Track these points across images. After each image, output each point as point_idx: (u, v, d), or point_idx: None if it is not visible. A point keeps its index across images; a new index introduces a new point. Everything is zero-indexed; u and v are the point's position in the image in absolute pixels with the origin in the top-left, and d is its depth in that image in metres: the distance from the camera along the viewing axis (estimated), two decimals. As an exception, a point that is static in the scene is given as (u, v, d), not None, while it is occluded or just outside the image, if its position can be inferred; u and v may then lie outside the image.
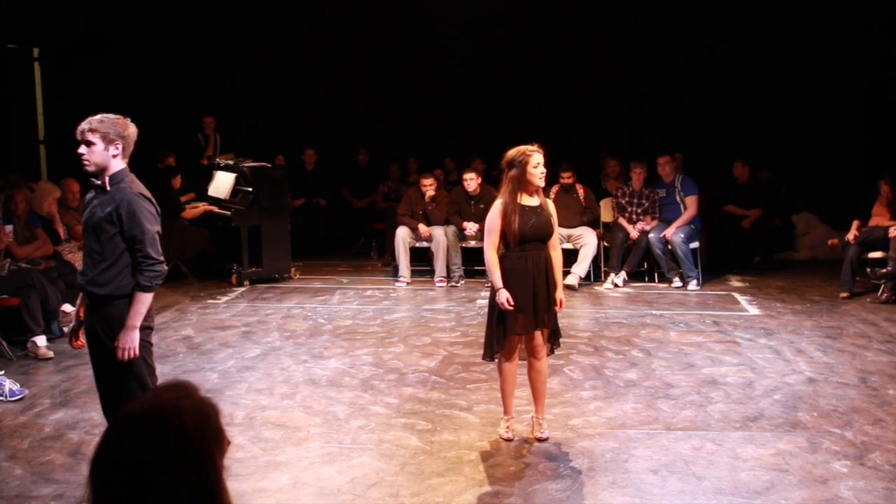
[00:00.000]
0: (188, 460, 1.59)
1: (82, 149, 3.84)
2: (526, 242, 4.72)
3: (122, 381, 3.87)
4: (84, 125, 3.85)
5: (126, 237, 3.83)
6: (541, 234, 4.75)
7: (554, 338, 4.90)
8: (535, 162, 4.72)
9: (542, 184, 4.79)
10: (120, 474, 1.57)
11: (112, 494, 1.57)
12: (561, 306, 4.82)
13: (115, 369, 3.87)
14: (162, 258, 3.92)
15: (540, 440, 4.81)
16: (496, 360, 4.89)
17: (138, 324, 3.85)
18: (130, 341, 3.83)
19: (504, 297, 4.63)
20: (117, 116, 3.90)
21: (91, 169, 3.88)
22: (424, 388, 5.76)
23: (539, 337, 4.80)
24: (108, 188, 3.86)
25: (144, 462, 1.57)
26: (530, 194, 4.77)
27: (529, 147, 4.76)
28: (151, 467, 1.57)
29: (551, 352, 4.97)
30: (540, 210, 4.77)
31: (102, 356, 3.91)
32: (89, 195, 4.00)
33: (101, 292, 3.85)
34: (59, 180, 8.59)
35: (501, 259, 4.75)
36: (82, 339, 4.15)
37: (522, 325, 4.70)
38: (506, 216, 4.71)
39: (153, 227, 3.87)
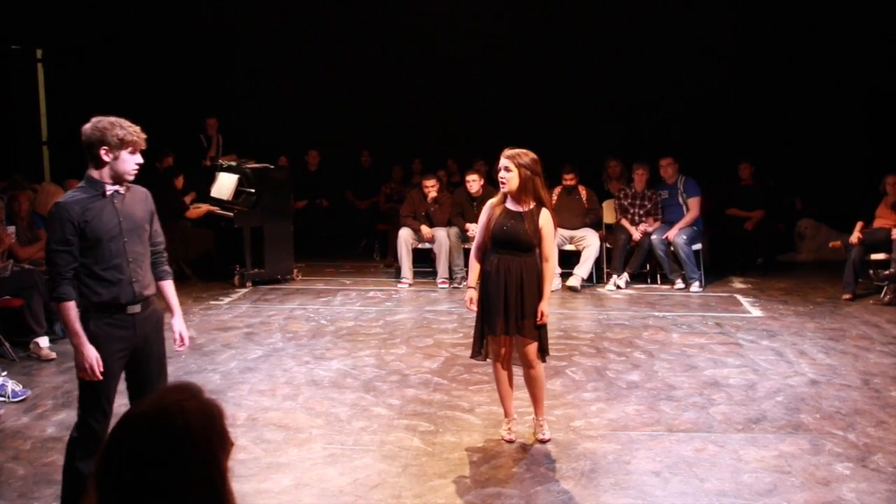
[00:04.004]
0: (193, 462, 1.59)
1: (139, 157, 3.73)
2: (499, 246, 4.69)
3: (166, 375, 3.93)
4: (140, 134, 3.69)
5: (151, 231, 3.88)
6: (510, 240, 4.65)
7: (541, 350, 4.75)
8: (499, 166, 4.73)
9: (503, 188, 4.71)
10: (124, 476, 1.58)
11: (116, 496, 1.58)
12: (541, 318, 4.66)
13: (163, 365, 3.91)
14: None
15: (541, 442, 4.81)
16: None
17: None
18: (185, 328, 4.01)
19: (468, 296, 4.81)
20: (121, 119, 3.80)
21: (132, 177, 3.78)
22: (426, 390, 5.76)
23: (526, 346, 4.70)
24: (123, 190, 3.81)
25: (149, 463, 1.57)
26: (515, 199, 4.70)
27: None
28: (156, 469, 1.57)
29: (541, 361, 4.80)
30: (521, 217, 4.67)
31: (156, 356, 3.86)
32: (98, 201, 3.65)
33: (150, 293, 3.85)
34: (62, 181, 8.60)
35: (483, 258, 4.80)
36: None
37: (500, 326, 4.69)
38: (488, 216, 4.76)
39: None
